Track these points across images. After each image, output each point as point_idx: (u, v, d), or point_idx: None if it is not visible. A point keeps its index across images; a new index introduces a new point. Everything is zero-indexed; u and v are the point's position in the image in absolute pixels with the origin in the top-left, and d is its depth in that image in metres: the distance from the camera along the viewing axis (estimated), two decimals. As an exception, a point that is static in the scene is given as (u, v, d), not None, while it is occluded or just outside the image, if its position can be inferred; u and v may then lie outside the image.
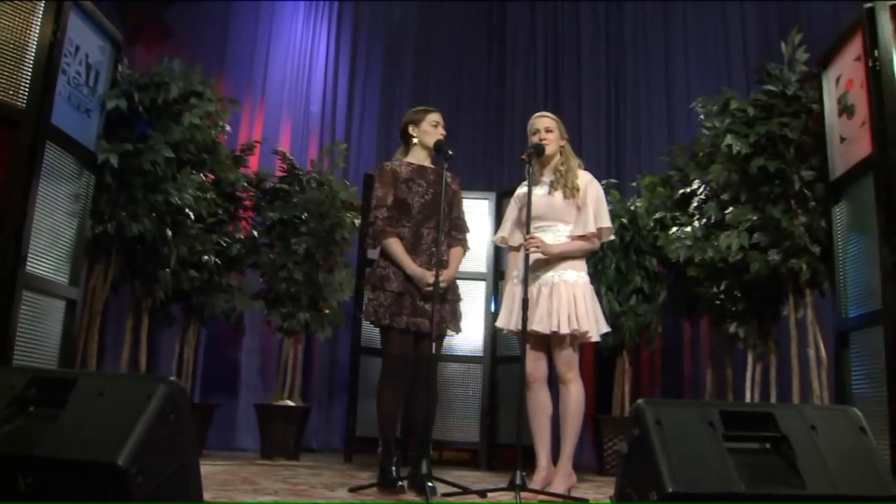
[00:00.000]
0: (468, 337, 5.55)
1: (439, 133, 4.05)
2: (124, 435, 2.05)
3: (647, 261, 5.56)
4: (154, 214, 4.37)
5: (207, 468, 4.25)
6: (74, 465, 2.06)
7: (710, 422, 2.24)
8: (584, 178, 3.96)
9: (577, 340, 3.84)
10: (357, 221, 5.94)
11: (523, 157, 3.90)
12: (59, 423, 2.15)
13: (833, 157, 4.10)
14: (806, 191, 4.39)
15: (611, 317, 5.09)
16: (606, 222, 3.91)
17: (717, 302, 4.92)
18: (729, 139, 4.49)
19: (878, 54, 3.62)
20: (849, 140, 3.92)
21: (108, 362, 5.15)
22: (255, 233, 5.77)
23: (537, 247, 3.79)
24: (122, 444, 2.03)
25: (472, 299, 5.77)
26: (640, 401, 2.29)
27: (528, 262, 3.77)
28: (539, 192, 3.95)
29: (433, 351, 3.80)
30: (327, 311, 5.82)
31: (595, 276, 3.96)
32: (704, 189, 5.04)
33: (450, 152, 3.87)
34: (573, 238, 3.89)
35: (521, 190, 4.02)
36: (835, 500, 2.17)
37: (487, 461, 5.73)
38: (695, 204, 5.11)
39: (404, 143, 4.13)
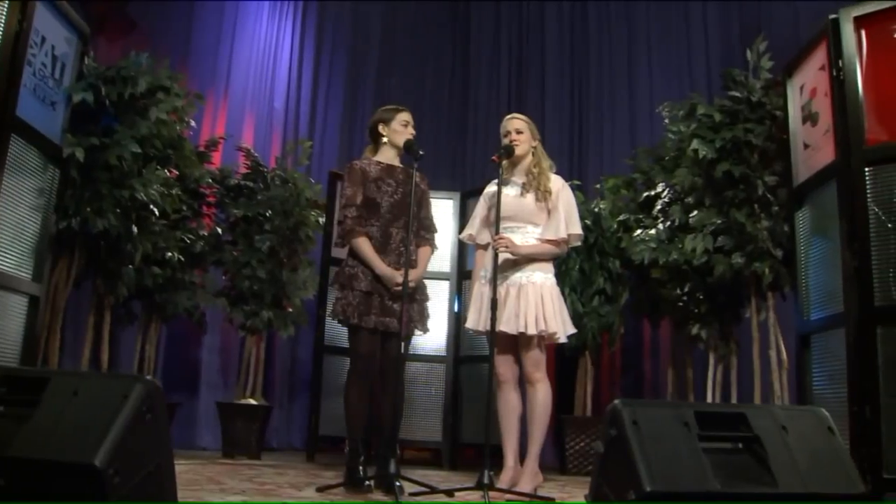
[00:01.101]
0: (431, 336, 5.57)
1: (409, 133, 4.05)
2: (101, 435, 2.02)
3: (610, 262, 5.63)
4: (119, 210, 4.29)
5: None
6: (49, 466, 2.02)
7: (685, 422, 2.28)
8: (557, 183, 3.99)
9: (545, 341, 3.87)
10: (322, 220, 5.91)
11: (494, 158, 3.92)
12: (32, 424, 2.10)
13: (796, 164, 4.19)
14: (769, 196, 4.49)
15: (574, 318, 5.14)
16: (577, 228, 3.95)
17: (680, 304, 5.00)
18: (695, 144, 4.57)
19: (843, 65, 3.71)
20: (812, 147, 4.01)
21: (67, 360, 5.06)
22: (219, 230, 5.70)
23: (506, 247, 3.81)
24: (99, 444, 2.00)
25: (436, 299, 5.77)
26: (616, 401, 2.32)
27: (497, 262, 3.79)
28: (510, 192, 3.97)
29: (402, 350, 3.81)
30: (290, 310, 5.78)
31: (559, 278, 4.00)
32: (669, 192, 5.12)
33: (420, 152, 3.87)
34: (542, 241, 3.92)
35: (491, 188, 4.04)
36: (805, 498, 2.22)
37: (450, 460, 5.74)
38: (659, 207, 5.18)
39: (373, 142, 4.12)
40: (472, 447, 5.94)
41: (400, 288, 3.75)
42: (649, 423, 2.24)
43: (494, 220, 3.84)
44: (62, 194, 4.14)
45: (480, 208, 4.18)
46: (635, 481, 2.11)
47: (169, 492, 2.27)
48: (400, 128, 4.04)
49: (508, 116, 4.14)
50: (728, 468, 2.23)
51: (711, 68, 6.91)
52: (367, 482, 3.70)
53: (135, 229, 4.46)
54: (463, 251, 6.08)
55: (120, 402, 2.10)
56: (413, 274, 3.84)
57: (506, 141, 4.03)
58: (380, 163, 4.02)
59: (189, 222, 5.42)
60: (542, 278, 3.88)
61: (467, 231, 4.22)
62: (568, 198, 3.98)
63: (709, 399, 4.87)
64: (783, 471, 2.24)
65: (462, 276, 6.04)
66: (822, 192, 3.90)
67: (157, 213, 4.60)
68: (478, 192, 5.97)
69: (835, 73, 3.73)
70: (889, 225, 3.47)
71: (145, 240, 4.62)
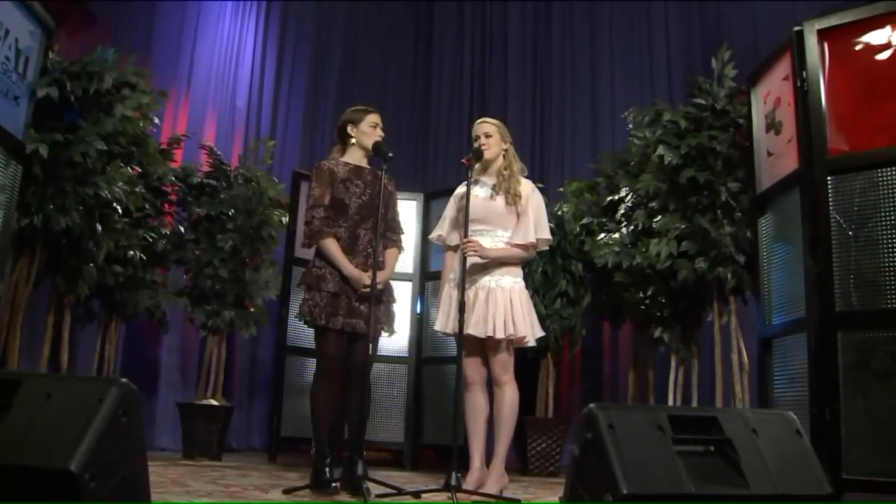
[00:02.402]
0: (394, 337, 5.56)
1: (378, 134, 4.05)
2: (76, 439, 1.98)
3: (573, 265, 5.67)
4: (82, 208, 4.21)
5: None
6: (23, 472, 1.97)
7: (659, 425, 2.32)
8: (527, 187, 4.01)
9: (513, 344, 3.89)
10: (285, 219, 5.87)
11: (464, 160, 3.93)
12: (3, 428, 2.05)
13: (759, 171, 4.28)
14: (732, 202, 4.57)
15: (536, 320, 5.19)
16: (545, 234, 3.98)
17: (643, 307, 5.06)
18: (661, 150, 4.63)
19: (806, 75, 3.80)
20: (775, 155, 4.10)
21: (24, 360, 4.94)
22: (181, 228, 5.63)
23: (475, 250, 3.82)
24: (75, 448, 1.96)
25: (399, 300, 5.76)
26: (592, 405, 2.35)
27: (465, 264, 3.80)
28: (480, 194, 3.99)
29: (370, 352, 3.80)
30: (252, 310, 5.73)
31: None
32: (632, 197, 5.18)
33: (389, 154, 3.87)
34: (511, 245, 3.94)
35: (462, 189, 4.05)
36: (776, 499, 2.28)
37: (412, 461, 5.74)
38: (622, 211, 5.25)
39: (341, 142, 4.11)
40: (434, 448, 5.94)
41: (367, 289, 3.75)
42: (625, 427, 2.27)
43: (463, 223, 3.85)
44: (24, 191, 4.04)
45: (450, 209, 4.18)
46: (611, 484, 2.14)
47: (144, 495, 2.24)
48: (369, 129, 4.03)
49: (479, 120, 4.16)
50: (701, 470, 2.27)
51: (673, 73, 7.02)
52: (333, 484, 3.69)
53: (98, 227, 4.38)
54: (426, 253, 6.09)
55: (95, 406, 2.06)
56: (380, 276, 3.83)
57: (476, 144, 4.04)
58: (348, 164, 4.01)
59: (151, 221, 5.35)
60: (510, 282, 3.90)
61: (437, 232, 4.23)
62: (538, 202, 4.00)
63: (670, 401, 4.94)
64: (754, 473, 2.29)
65: (425, 277, 6.04)
66: (785, 199, 4.00)
67: (120, 211, 4.53)
68: (441, 193, 6.01)
69: (799, 84, 3.82)
70: (850, 233, 3.57)
71: (108, 238, 4.54)
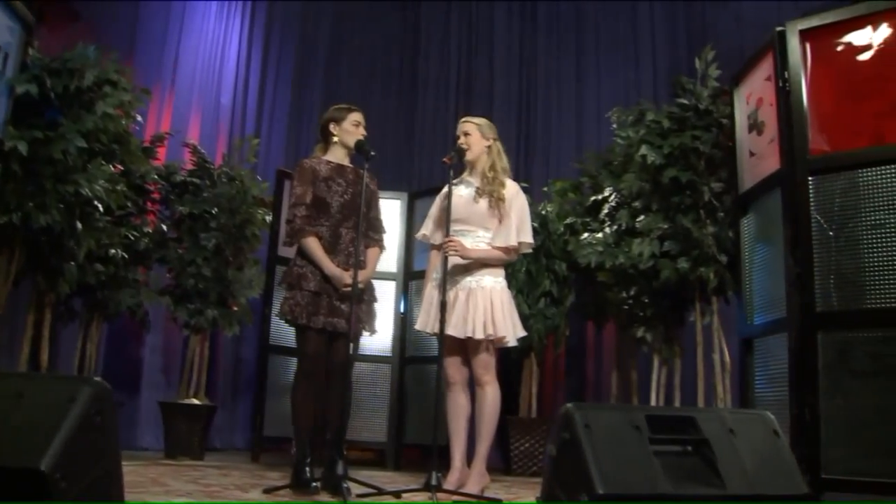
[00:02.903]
0: (377, 337, 5.55)
1: (360, 133, 4.03)
2: (47, 439, 1.96)
3: (556, 265, 5.67)
4: (62, 206, 4.17)
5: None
6: (-8, 471, 1.96)
7: (636, 426, 2.32)
8: (511, 189, 4.00)
9: (494, 344, 3.88)
10: (268, 218, 5.85)
11: (445, 159, 3.92)
12: (-28, 427, 2.04)
13: (742, 171, 4.29)
14: (715, 202, 4.58)
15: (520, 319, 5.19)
16: (527, 237, 3.97)
17: (626, 307, 5.06)
18: (644, 149, 4.64)
19: (788, 76, 3.82)
20: (758, 155, 4.11)
21: (4, 359, 4.91)
22: (164, 227, 5.60)
23: (456, 250, 3.81)
24: (45, 448, 1.94)
25: (382, 299, 5.75)
26: (569, 405, 2.35)
27: (447, 264, 3.79)
28: (464, 194, 3.98)
29: (351, 351, 3.78)
30: (236, 309, 5.71)
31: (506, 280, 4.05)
32: (616, 196, 5.18)
33: (371, 153, 3.86)
34: (492, 247, 3.93)
35: (447, 189, 4.05)
36: (752, 499, 2.28)
37: (394, 461, 5.73)
38: (606, 211, 5.25)
39: (323, 141, 4.09)
40: (416, 448, 5.94)
41: (349, 289, 3.74)
42: (601, 427, 2.27)
43: (445, 223, 3.85)
44: (3, 189, 3.99)
45: (435, 208, 4.17)
46: (587, 483, 2.14)
47: (117, 496, 2.22)
48: (351, 128, 4.02)
49: (461, 119, 4.15)
50: (678, 470, 2.27)
51: (658, 73, 7.03)
52: (314, 483, 3.67)
53: (79, 225, 4.34)
54: (410, 252, 6.08)
55: (66, 405, 2.04)
56: (362, 275, 3.82)
57: (458, 143, 4.04)
58: (330, 162, 3.99)
59: (133, 219, 5.31)
60: (492, 282, 3.89)
61: (422, 230, 4.22)
62: (521, 205, 3.99)
63: (653, 401, 4.95)
64: (731, 473, 2.30)
65: (409, 276, 6.03)
66: (767, 199, 4.01)
67: (101, 209, 4.49)
68: (426, 192, 6.00)
69: (781, 84, 3.83)
70: (830, 233, 3.58)
71: (89, 236, 4.50)
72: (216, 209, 5.60)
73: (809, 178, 3.67)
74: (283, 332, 5.67)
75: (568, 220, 5.63)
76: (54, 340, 5.02)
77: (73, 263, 4.54)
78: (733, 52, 4.57)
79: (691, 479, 2.27)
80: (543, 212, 5.78)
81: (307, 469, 3.73)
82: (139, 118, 4.98)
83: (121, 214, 5.05)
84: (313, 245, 3.84)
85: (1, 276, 4.21)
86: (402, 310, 6.05)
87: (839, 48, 3.72)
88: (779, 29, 3.88)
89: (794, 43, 3.81)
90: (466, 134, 4.04)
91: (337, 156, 4.03)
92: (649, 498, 2.16)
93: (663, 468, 2.23)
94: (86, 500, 2.02)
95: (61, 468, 1.95)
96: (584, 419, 2.27)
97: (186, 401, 5.48)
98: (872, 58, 3.60)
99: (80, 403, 2.06)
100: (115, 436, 2.22)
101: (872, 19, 3.64)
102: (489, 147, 4.06)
